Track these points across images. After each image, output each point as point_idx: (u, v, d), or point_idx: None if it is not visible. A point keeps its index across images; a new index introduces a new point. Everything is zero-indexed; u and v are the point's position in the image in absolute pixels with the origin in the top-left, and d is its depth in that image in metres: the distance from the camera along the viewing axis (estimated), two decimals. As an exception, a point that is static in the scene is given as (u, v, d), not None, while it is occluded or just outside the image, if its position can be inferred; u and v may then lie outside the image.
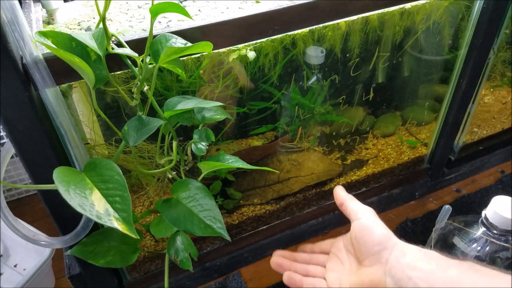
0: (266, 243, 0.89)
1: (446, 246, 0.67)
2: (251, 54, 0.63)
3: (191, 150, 0.60)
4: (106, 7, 0.45)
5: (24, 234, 0.54)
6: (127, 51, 0.48)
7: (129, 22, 0.59)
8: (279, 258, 0.57)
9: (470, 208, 1.00)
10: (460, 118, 0.91)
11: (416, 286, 0.40)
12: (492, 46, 0.79)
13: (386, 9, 0.70)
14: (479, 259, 0.63)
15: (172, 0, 0.46)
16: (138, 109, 0.53)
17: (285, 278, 0.59)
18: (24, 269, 0.87)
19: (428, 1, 0.73)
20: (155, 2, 0.45)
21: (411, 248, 0.44)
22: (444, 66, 0.90)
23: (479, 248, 0.62)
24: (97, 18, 0.60)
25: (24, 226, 0.55)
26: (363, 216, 0.49)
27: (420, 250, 0.44)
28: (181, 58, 0.55)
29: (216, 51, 0.60)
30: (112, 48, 0.48)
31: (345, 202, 0.54)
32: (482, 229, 0.61)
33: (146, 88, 0.51)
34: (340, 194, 0.56)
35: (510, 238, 0.60)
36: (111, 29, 0.54)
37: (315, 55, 0.72)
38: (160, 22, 0.58)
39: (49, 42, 0.43)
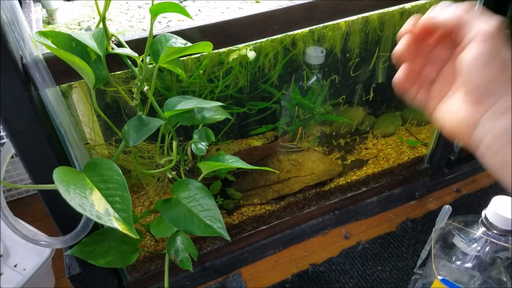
0: (266, 243, 0.89)
1: (446, 246, 0.67)
2: (251, 54, 0.63)
3: (191, 150, 0.60)
4: (106, 7, 0.45)
5: (24, 234, 0.54)
6: (127, 51, 0.48)
7: (129, 22, 0.59)
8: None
9: (470, 208, 1.00)
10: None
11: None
12: (492, 46, 0.79)
13: (386, 9, 0.70)
14: (479, 259, 0.63)
15: (172, 0, 0.46)
16: (138, 109, 0.53)
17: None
18: (24, 269, 0.87)
19: (428, 1, 0.73)
20: (155, 2, 0.45)
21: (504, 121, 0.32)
22: (444, 66, 0.89)
23: (479, 248, 0.62)
24: (97, 18, 0.60)
25: (24, 226, 0.55)
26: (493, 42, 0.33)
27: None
28: (181, 58, 0.55)
29: (216, 51, 0.60)
30: (112, 48, 0.48)
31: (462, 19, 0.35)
32: (482, 229, 0.61)
33: (146, 88, 0.51)
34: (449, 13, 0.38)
35: (510, 238, 0.60)
36: (111, 29, 0.54)
37: (315, 55, 0.72)
38: (160, 22, 0.58)
39: (49, 42, 0.43)
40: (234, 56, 0.62)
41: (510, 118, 0.31)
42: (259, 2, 0.62)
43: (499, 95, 0.32)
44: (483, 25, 0.33)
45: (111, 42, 0.48)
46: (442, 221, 0.67)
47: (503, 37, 0.33)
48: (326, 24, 0.64)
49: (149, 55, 0.49)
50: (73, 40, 0.46)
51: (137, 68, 0.50)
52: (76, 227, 0.57)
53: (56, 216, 0.57)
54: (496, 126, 0.32)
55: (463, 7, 0.36)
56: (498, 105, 0.32)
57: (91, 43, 0.46)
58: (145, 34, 0.50)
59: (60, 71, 0.47)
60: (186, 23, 0.53)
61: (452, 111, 0.36)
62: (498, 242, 0.60)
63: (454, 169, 1.03)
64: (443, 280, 0.65)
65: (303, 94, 0.77)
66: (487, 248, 0.62)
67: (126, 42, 0.49)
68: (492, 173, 0.34)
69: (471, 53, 0.33)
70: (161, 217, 0.63)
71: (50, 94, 0.47)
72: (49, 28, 0.57)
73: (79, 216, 0.57)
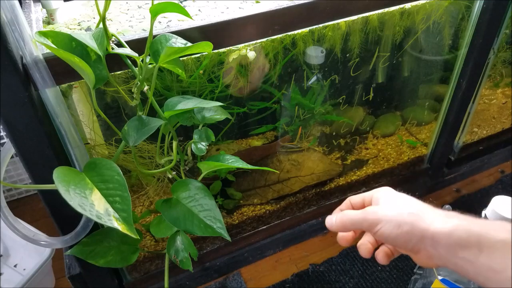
0: (266, 243, 0.89)
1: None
2: (251, 54, 0.63)
3: (191, 150, 0.60)
4: (106, 7, 0.45)
5: (24, 234, 0.54)
6: (127, 51, 0.48)
7: (129, 22, 0.59)
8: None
9: (470, 208, 1.00)
10: (460, 118, 0.91)
11: (465, 271, 0.38)
12: (492, 46, 0.79)
13: (386, 9, 0.70)
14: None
15: (172, 0, 0.46)
16: (138, 109, 0.53)
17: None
18: (24, 269, 0.87)
19: (428, 1, 0.73)
20: (155, 2, 0.45)
21: (442, 234, 0.39)
22: (444, 66, 0.90)
23: (479, 248, 0.62)
24: (97, 18, 0.60)
25: (24, 226, 0.55)
26: (379, 225, 0.42)
27: (451, 235, 0.38)
28: (181, 58, 0.55)
29: (216, 51, 0.60)
30: (112, 48, 0.48)
31: (346, 224, 0.45)
32: (482, 229, 0.61)
33: (146, 88, 0.51)
34: (335, 225, 0.47)
35: (510, 238, 0.60)
36: (111, 29, 0.54)
37: (315, 55, 0.72)
38: (160, 22, 0.58)
39: (49, 42, 0.43)
40: (234, 56, 0.62)
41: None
42: (259, 2, 0.62)
43: (420, 249, 0.41)
44: (364, 221, 0.44)
45: (111, 42, 0.48)
46: (442, 221, 0.66)
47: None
48: (326, 24, 0.64)
49: (149, 55, 0.49)
50: (73, 40, 0.46)
51: (137, 68, 0.50)
52: (76, 227, 0.57)
53: (56, 216, 0.57)
54: (440, 255, 0.40)
55: (339, 216, 0.46)
56: (428, 245, 0.40)
57: (91, 43, 0.46)
58: (145, 34, 0.50)
59: (60, 71, 0.47)
60: (186, 23, 0.53)
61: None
62: (498, 242, 0.60)
63: (454, 169, 1.03)
64: (443, 280, 0.65)
65: (303, 94, 0.77)
66: (487, 248, 0.62)
67: (126, 42, 0.49)
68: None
69: (380, 238, 0.44)
70: (161, 217, 0.63)
71: (50, 94, 0.47)
72: (49, 28, 0.57)
73: (79, 216, 0.57)
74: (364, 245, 0.46)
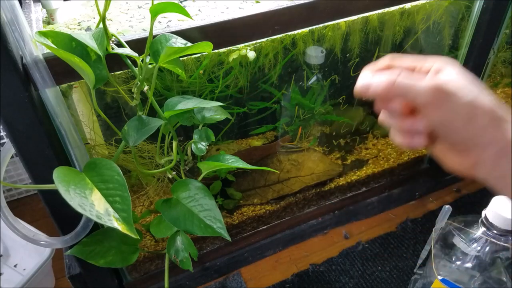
0: (266, 243, 0.89)
1: (446, 246, 0.67)
2: (251, 54, 0.63)
3: (191, 150, 0.60)
4: (106, 7, 0.45)
5: (24, 234, 0.54)
6: (127, 51, 0.48)
7: (129, 22, 0.59)
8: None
9: (470, 208, 1.00)
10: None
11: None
12: (492, 46, 0.79)
13: (386, 9, 0.70)
14: (479, 259, 0.63)
15: (172, 0, 0.46)
16: (138, 109, 0.53)
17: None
18: (24, 269, 0.87)
19: (428, 1, 0.73)
20: (155, 2, 0.45)
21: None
22: (444, 66, 0.89)
23: (479, 248, 0.62)
24: (97, 18, 0.60)
25: (24, 226, 0.54)
26: (452, 100, 0.30)
27: None
28: (181, 58, 0.55)
29: (216, 51, 0.60)
30: (112, 48, 0.48)
31: (395, 86, 0.32)
32: (482, 229, 0.61)
33: (146, 88, 0.51)
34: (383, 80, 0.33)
35: (510, 238, 0.60)
36: (111, 29, 0.54)
37: (315, 55, 0.72)
38: (160, 22, 0.58)
39: (49, 42, 0.43)
40: (234, 56, 0.62)
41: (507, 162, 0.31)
42: (259, 2, 0.62)
43: (480, 150, 0.32)
44: (423, 93, 0.31)
45: (111, 42, 0.48)
46: (442, 221, 0.67)
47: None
48: (326, 24, 0.64)
49: (149, 55, 0.49)
50: (73, 40, 0.46)
51: (137, 68, 0.50)
52: (76, 227, 0.57)
53: (56, 216, 0.57)
54: (494, 170, 0.32)
55: (390, 74, 0.32)
56: (488, 154, 0.32)
57: (91, 43, 0.46)
58: (145, 34, 0.50)
59: (60, 71, 0.47)
60: (186, 23, 0.53)
61: (445, 156, 0.35)
62: (498, 242, 0.61)
63: (454, 169, 1.03)
64: (443, 280, 0.65)
65: (303, 94, 0.77)
66: (487, 248, 0.62)
67: (126, 42, 0.49)
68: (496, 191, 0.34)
69: (437, 121, 0.32)
70: (161, 217, 0.63)
71: (50, 94, 0.47)
72: (49, 28, 0.57)
73: (79, 216, 0.57)
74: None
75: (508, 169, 0.31)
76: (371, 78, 0.34)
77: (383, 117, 0.36)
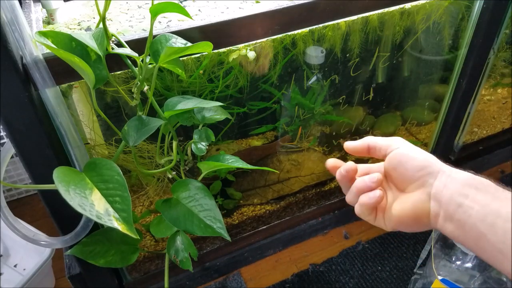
0: (266, 243, 0.89)
1: (446, 246, 0.67)
2: (251, 54, 0.63)
3: (191, 150, 0.60)
4: (106, 7, 0.45)
5: (24, 234, 0.54)
6: (127, 51, 0.48)
7: (129, 22, 0.59)
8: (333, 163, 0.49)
9: (470, 208, 1.00)
10: (460, 118, 0.91)
11: (466, 215, 0.35)
12: (492, 46, 0.79)
13: (386, 9, 0.70)
14: (479, 259, 0.63)
15: (172, 0, 0.46)
16: (138, 109, 0.53)
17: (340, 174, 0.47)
18: (24, 269, 0.87)
19: (428, 1, 0.73)
20: (155, 2, 0.45)
21: (463, 174, 0.38)
22: (444, 66, 0.90)
23: (479, 248, 0.62)
24: (97, 18, 0.60)
25: (24, 226, 0.55)
26: (400, 146, 0.42)
27: (474, 178, 0.37)
28: (181, 58, 0.55)
29: (216, 51, 0.60)
30: (112, 48, 0.48)
31: (370, 142, 0.45)
32: (482, 229, 0.61)
33: (146, 88, 0.51)
34: (357, 142, 0.47)
35: (510, 238, 0.60)
36: (111, 29, 0.54)
37: (315, 55, 0.72)
38: (160, 22, 0.58)
39: (49, 42, 0.43)
40: (234, 56, 0.62)
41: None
42: (259, 2, 0.62)
43: (429, 181, 0.40)
44: (387, 139, 0.44)
45: (111, 42, 0.48)
46: (442, 221, 0.66)
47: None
48: (326, 24, 0.64)
49: (149, 55, 0.49)
50: (73, 40, 0.46)
51: (137, 68, 0.50)
52: (76, 227, 0.57)
53: (56, 216, 0.57)
54: (445, 193, 0.38)
55: (365, 139, 0.46)
56: (435, 186, 0.39)
57: (91, 43, 0.46)
58: (145, 34, 0.50)
59: (60, 71, 0.47)
60: (186, 23, 0.53)
61: (403, 211, 0.42)
62: (498, 242, 0.60)
63: (454, 169, 1.03)
64: (443, 280, 0.65)
65: (303, 94, 0.77)
66: (487, 248, 0.62)
67: (126, 42, 0.49)
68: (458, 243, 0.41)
69: (393, 158, 0.43)
70: (161, 217, 0.63)
71: (50, 94, 0.47)
72: (49, 28, 0.57)
73: (79, 216, 0.57)
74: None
75: (458, 197, 0.37)
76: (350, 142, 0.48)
77: (349, 197, 0.46)
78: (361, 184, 0.42)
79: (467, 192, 0.36)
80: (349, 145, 0.47)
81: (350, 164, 0.45)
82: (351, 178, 0.45)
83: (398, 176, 0.42)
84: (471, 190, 0.36)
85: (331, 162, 0.47)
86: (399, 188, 0.43)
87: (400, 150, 0.42)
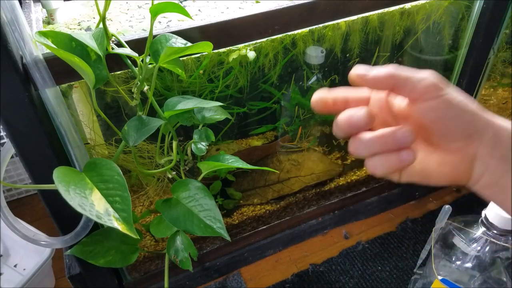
0: (266, 243, 0.89)
1: (446, 246, 0.67)
2: (251, 54, 0.63)
3: (191, 150, 0.60)
4: (106, 7, 0.45)
5: (24, 234, 0.54)
6: (127, 51, 0.48)
7: (129, 22, 0.59)
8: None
9: (470, 208, 1.00)
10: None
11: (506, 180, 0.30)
12: (492, 46, 0.79)
13: (386, 9, 0.70)
14: (479, 259, 0.63)
15: (172, 0, 0.46)
16: (138, 109, 0.53)
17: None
18: (24, 269, 0.87)
19: (428, 1, 0.73)
20: (155, 2, 0.45)
21: (508, 130, 0.31)
22: (444, 66, 0.90)
23: (479, 248, 0.62)
24: (97, 18, 0.60)
25: (24, 226, 0.55)
26: (444, 89, 0.31)
27: None
28: (181, 58, 0.55)
29: (216, 51, 0.60)
30: (112, 48, 0.48)
31: (396, 74, 0.31)
32: (482, 229, 0.61)
33: (146, 88, 0.51)
34: (378, 71, 0.32)
35: (510, 238, 0.60)
36: (111, 29, 0.54)
37: (315, 55, 0.72)
38: (160, 22, 0.58)
39: (49, 42, 0.43)
40: (234, 56, 0.62)
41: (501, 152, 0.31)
42: (259, 2, 0.62)
43: (476, 139, 0.32)
44: (428, 77, 0.31)
45: (111, 42, 0.48)
46: (442, 221, 0.67)
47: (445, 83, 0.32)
48: (326, 24, 0.64)
49: (149, 55, 0.49)
50: (73, 40, 0.46)
51: (137, 68, 0.50)
52: (76, 227, 0.57)
53: (56, 216, 0.57)
54: (493, 155, 0.31)
55: (388, 68, 0.32)
56: (483, 146, 0.32)
57: (91, 43, 0.46)
58: (145, 34, 0.50)
59: (60, 71, 0.47)
60: (186, 23, 0.53)
61: (434, 167, 0.34)
62: (498, 242, 0.61)
63: (454, 169, 1.03)
64: (443, 280, 0.65)
65: (303, 94, 0.77)
66: (487, 248, 0.62)
67: (126, 42, 0.49)
68: (492, 202, 0.34)
69: (433, 112, 0.32)
70: (161, 217, 0.63)
71: (50, 94, 0.47)
72: (49, 28, 0.57)
73: (79, 216, 0.57)
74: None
75: (505, 162, 0.31)
76: (368, 69, 0.32)
77: (355, 146, 0.32)
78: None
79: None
80: (362, 73, 0.32)
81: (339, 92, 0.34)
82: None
83: (439, 128, 0.32)
84: None
85: (318, 96, 0.34)
86: (432, 140, 0.34)
87: (448, 97, 0.31)
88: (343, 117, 0.32)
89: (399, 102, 0.35)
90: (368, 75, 0.32)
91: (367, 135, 0.31)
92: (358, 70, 0.32)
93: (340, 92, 0.35)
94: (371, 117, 0.31)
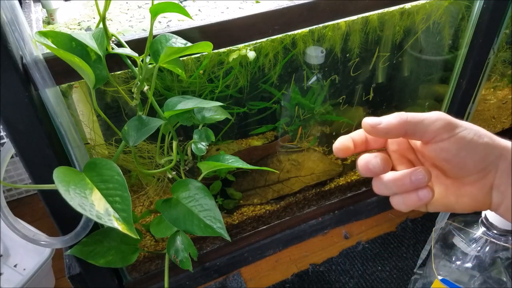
0: (266, 243, 0.89)
1: (446, 246, 0.67)
2: (251, 54, 0.63)
3: (191, 150, 0.60)
4: (106, 7, 0.45)
5: (24, 234, 0.54)
6: (127, 51, 0.48)
7: (129, 22, 0.59)
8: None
9: (470, 208, 1.00)
10: (460, 118, 0.91)
11: None
12: (492, 46, 0.79)
13: (386, 9, 0.70)
14: (479, 259, 0.63)
15: (172, 0, 0.46)
16: (138, 109, 0.53)
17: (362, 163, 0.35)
18: (24, 269, 0.87)
19: (428, 1, 0.73)
20: (155, 2, 0.45)
21: None
22: (444, 66, 0.90)
23: (479, 248, 0.62)
24: (97, 18, 0.60)
25: (24, 226, 0.55)
26: (459, 127, 0.33)
27: None
28: (181, 58, 0.55)
29: (216, 51, 0.60)
30: (112, 48, 0.48)
31: (409, 119, 0.33)
32: (482, 229, 0.61)
33: (146, 88, 0.51)
34: (389, 120, 0.33)
35: (510, 238, 0.60)
36: (111, 29, 0.54)
37: (315, 55, 0.72)
38: (160, 22, 0.58)
39: (49, 42, 0.43)
40: (234, 56, 0.62)
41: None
42: (259, 2, 0.62)
43: (492, 170, 0.33)
44: (438, 120, 0.33)
45: (111, 42, 0.48)
46: (442, 221, 0.67)
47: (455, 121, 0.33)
48: (326, 24, 0.64)
49: (149, 55, 0.49)
50: (73, 40, 0.46)
51: (137, 68, 0.50)
52: (76, 227, 0.57)
53: (56, 216, 0.57)
54: (508, 193, 0.33)
55: (398, 114, 0.34)
56: (498, 176, 0.33)
57: (91, 43, 0.46)
58: (145, 34, 0.50)
59: (60, 71, 0.47)
60: (186, 23, 0.53)
61: (456, 198, 0.35)
62: (498, 242, 0.60)
63: (454, 169, 1.03)
64: (443, 280, 0.65)
65: (303, 94, 0.77)
66: (487, 248, 0.62)
67: (126, 42, 0.49)
68: None
69: (445, 152, 0.33)
70: (161, 217, 0.63)
71: (50, 94, 0.47)
72: (49, 28, 0.57)
73: (79, 216, 0.57)
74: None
75: None
76: (379, 118, 0.34)
77: (377, 186, 0.35)
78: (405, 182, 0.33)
79: None
80: (375, 122, 0.34)
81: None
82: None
83: (453, 166, 0.34)
84: None
85: (340, 143, 0.36)
86: (449, 175, 0.35)
87: (459, 136, 0.32)
88: (361, 163, 0.34)
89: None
90: (380, 125, 0.34)
91: (386, 177, 0.34)
92: (370, 120, 0.34)
93: (359, 134, 0.37)
94: (385, 163, 0.34)
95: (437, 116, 0.33)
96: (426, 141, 0.34)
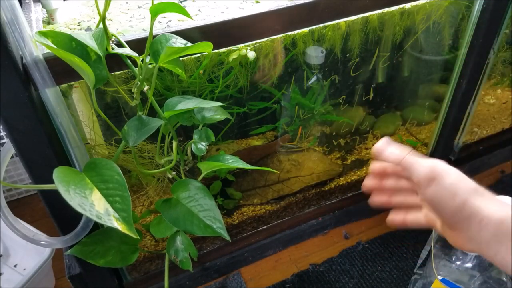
0: (266, 243, 0.89)
1: (446, 246, 0.67)
2: (251, 54, 0.63)
3: (191, 150, 0.60)
4: (106, 7, 0.45)
5: (24, 234, 0.54)
6: (127, 51, 0.48)
7: (129, 22, 0.59)
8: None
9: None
10: (460, 118, 0.91)
11: (504, 261, 0.35)
12: (492, 46, 0.79)
13: (386, 9, 0.70)
14: (479, 259, 0.63)
15: (172, 0, 0.46)
16: (138, 109, 0.53)
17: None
18: (24, 269, 0.87)
19: (428, 1, 0.73)
20: (155, 2, 0.45)
21: (494, 217, 0.36)
22: (444, 66, 0.90)
23: (479, 248, 0.62)
24: (97, 18, 0.60)
25: (24, 226, 0.55)
26: (436, 180, 0.38)
27: (502, 222, 0.35)
28: (181, 58, 0.55)
29: (216, 51, 0.60)
30: (112, 48, 0.48)
31: (409, 162, 0.40)
32: (482, 229, 0.61)
33: (146, 88, 0.51)
34: (397, 152, 0.41)
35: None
36: (111, 29, 0.54)
37: (315, 55, 0.72)
38: (160, 22, 0.58)
39: (49, 42, 0.43)
40: (234, 56, 0.62)
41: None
42: (259, 2, 0.62)
43: (464, 229, 0.38)
44: (421, 171, 0.39)
45: (111, 42, 0.48)
46: (442, 221, 0.66)
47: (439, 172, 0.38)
48: (326, 24, 0.64)
49: (149, 55, 0.49)
50: (73, 40, 0.46)
51: (137, 68, 0.50)
52: (76, 227, 0.57)
53: (56, 216, 0.57)
54: (481, 239, 0.37)
55: (402, 150, 0.41)
56: (473, 227, 0.37)
57: (91, 43, 0.46)
58: (145, 34, 0.50)
59: (60, 71, 0.47)
60: (186, 23, 0.53)
61: (447, 234, 0.42)
62: (498, 242, 0.60)
63: (454, 169, 1.03)
64: (443, 280, 0.65)
65: (303, 94, 0.77)
66: (487, 248, 0.62)
67: (126, 42, 0.49)
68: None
69: (427, 199, 0.39)
70: (161, 217, 0.63)
71: (50, 94, 0.47)
72: (49, 28, 0.57)
73: (79, 216, 0.57)
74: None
75: (494, 244, 0.36)
76: (388, 146, 0.42)
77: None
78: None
79: (500, 241, 0.36)
80: (381, 148, 0.42)
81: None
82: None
83: (437, 213, 0.40)
84: (503, 239, 0.36)
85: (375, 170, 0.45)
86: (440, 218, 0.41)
87: (437, 189, 0.38)
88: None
89: None
90: (383, 154, 0.42)
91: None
92: (379, 144, 0.42)
93: (379, 168, 0.45)
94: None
95: (428, 165, 0.38)
96: (415, 183, 0.40)
